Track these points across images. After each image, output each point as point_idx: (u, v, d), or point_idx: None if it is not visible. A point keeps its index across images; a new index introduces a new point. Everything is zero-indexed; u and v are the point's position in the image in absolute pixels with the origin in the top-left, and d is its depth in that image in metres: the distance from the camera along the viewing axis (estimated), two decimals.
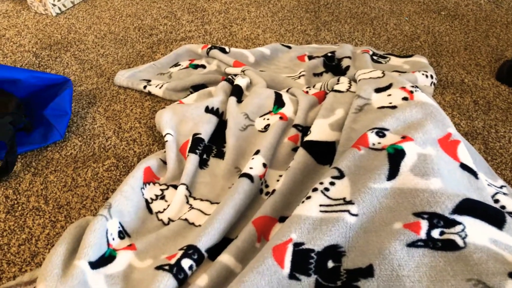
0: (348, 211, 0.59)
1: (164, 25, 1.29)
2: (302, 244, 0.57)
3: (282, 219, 0.67)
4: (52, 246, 0.67)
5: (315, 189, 0.63)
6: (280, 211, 0.68)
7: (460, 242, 0.51)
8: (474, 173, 0.65)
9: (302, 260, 0.54)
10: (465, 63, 1.10)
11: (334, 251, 0.55)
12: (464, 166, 0.66)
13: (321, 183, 0.64)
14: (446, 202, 0.57)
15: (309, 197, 0.63)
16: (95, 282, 0.56)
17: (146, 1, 1.44)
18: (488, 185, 0.70)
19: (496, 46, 1.16)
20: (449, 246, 0.51)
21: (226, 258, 0.60)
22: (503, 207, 0.66)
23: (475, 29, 1.25)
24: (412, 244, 0.53)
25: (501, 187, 0.72)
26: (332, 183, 0.64)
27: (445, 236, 0.53)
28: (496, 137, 0.86)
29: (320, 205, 0.61)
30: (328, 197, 0.62)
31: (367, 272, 0.52)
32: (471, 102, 0.96)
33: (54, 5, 1.32)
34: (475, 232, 0.53)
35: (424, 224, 0.55)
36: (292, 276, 0.54)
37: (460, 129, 0.88)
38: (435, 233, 0.54)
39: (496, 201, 0.67)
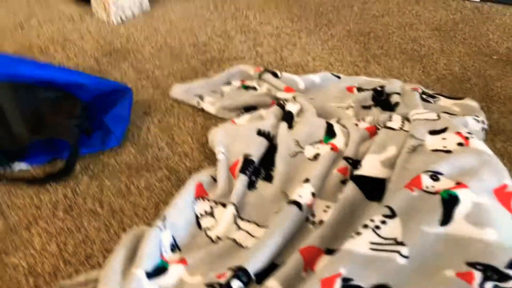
0: (399, 252, 0.60)
1: (218, 43, 1.34)
2: (351, 280, 0.58)
3: (329, 251, 0.68)
4: (105, 250, 0.70)
5: (365, 226, 0.64)
6: (327, 243, 0.69)
7: None
8: None
9: None
10: None
11: None
12: None
13: (372, 220, 0.65)
14: (501, 255, 0.57)
15: (359, 233, 0.64)
16: None
17: (202, 18, 1.49)
18: None
19: None
20: None
21: (274, 284, 0.61)
22: None
23: None
24: None
25: None
26: (383, 222, 0.64)
27: None
28: None
29: (371, 243, 0.62)
30: (379, 235, 0.63)
31: None
32: None
33: (116, 13, 1.39)
34: None
35: (477, 276, 0.55)
36: None
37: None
38: (489, 286, 0.54)
39: None
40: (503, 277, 0.54)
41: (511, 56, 1.36)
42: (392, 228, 0.64)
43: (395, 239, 0.62)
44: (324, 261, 0.66)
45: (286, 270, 0.64)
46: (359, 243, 0.62)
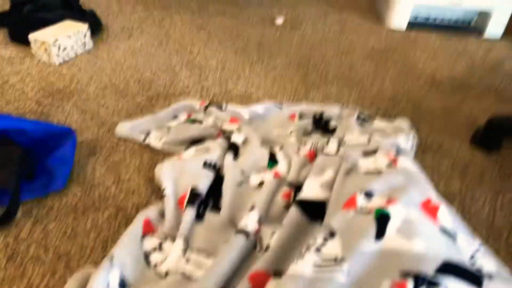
0: (340, 270, 0.64)
1: (163, 79, 1.36)
2: None
3: (277, 274, 0.70)
4: None
5: (307, 248, 0.68)
6: (275, 266, 0.71)
7: None
8: (453, 236, 0.71)
9: None
10: (443, 127, 1.19)
11: None
12: (443, 230, 0.72)
13: (314, 240, 0.68)
14: (429, 262, 0.62)
15: (302, 256, 0.67)
16: None
17: (146, 54, 1.52)
18: (467, 245, 0.76)
19: (471, 113, 1.27)
20: None
21: None
22: (480, 266, 0.71)
23: (451, 96, 1.37)
24: None
25: (479, 247, 0.77)
26: (325, 241, 0.68)
27: None
28: (472, 199, 0.93)
29: (314, 265, 0.65)
30: (320, 257, 0.66)
31: None
32: (449, 165, 1.04)
33: (58, 55, 1.38)
34: None
35: (410, 284, 0.59)
36: None
37: (438, 190, 0.95)
38: None
39: (474, 261, 0.72)
40: (432, 283, 0.59)
41: (435, 77, 1.49)
42: (332, 248, 0.68)
43: (335, 259, 0.66)
44: (272, 285, 0.69)
45: None
46: (303, 267, 0.65)
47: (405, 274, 0.61)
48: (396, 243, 0.65)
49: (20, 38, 1.47)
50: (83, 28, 1.47)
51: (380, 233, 0.67)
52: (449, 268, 0.61)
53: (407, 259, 0.63)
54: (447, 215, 0.75)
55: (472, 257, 0.73)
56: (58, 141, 0.93)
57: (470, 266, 0.66)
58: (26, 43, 1.43)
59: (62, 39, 1.38)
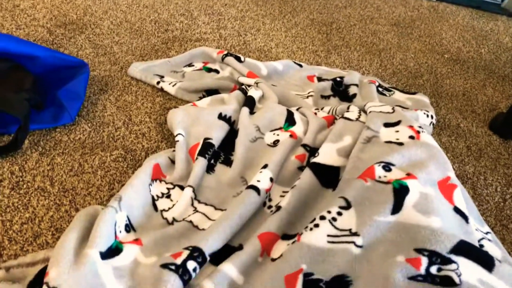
0: (354, 242, 0.63)
1: (181, 22, 1.30)
2: (312, 274, 0.61)
3: (285, 237, 0.70)
4: (55, 229, 0.67)
5: (322, 217, 0.67)
6: (284, 228, 0.70)
7: (456, 279, 0.56)
8: (465, 218, 0.70)
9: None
10: (462, 108, 1.16)
11: (341, 281, 0.59)
12: (457, 210, 0.70)
13: (329, 212, 0.67)
14: (445, 241, 0.61)
15: (317, 225, 0.66)
16: (104, 272, 0.58)
17: None
18: (476, 230, 0.75)
19: (492, 96, 1.24)
20: (447, 282, 0.56)
21: (229, 269, 0.62)
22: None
23: (474, 76, 1.32)
24: (413, 278, 0.57)
25: (487, 233, 0.77)
26: (339, 213, 0.67)
27: (442, 273, 0.57)
28: (485, 184, 0.92)
29: (328, 235, 0.64)
30: (335, 227, 0.66)
31: None
32: (464, 147, 1.02)
33: None
34: (468, 271, 0.58)
35: (424, 261, 0.59)
36: None
37: None
38: (433, 269, 0.58)
39: (481, 246, 0.72)
40: (446, 261, 0.59)
41: (460, 56, 1.44)
42: (348, 219, 0.67)
43: (350, 230, 0.65)
44: (280, 245, 0.68)
45: (243, 255, 0.65)
46: (318, 237, 0.64)
47: (420, 250, 0.60)
48: (413, 218, 0.64)
49: None
50: None
51: (397, 206, 0.66)
52: (464, 248, 0.60)
53: (423, 235, 0.62)
54: (461, 197, 0.73)
55: (479, 241, 0.72)
56: (71, 73, 0.89)
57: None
58: None
59: None
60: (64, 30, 1.15)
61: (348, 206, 0.68)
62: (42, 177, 0.75)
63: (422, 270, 0.57)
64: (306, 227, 0.67)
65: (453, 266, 0.58)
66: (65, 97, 0.87)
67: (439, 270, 0.58)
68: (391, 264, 0.58)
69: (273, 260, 0.66)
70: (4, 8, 1.19)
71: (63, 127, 0.86)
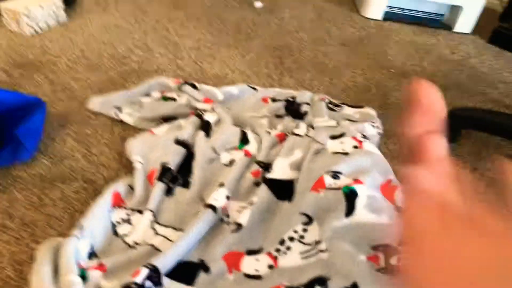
0: (320, 250, 0.69)
1: (138, 55, 1.35)
2: (291, 286, 0.65)
3: (250, 252, 0.74)
4: (16, 262, 0.69)
5: (291, 239, 0.73)
6: (247, 245, 0.75)
7: None
8: None
9: None
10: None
11: (319, 280, 0.63)
12: (398, 209, 0.76)
13: (295, 231, 0.74)
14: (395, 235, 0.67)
15: (289, 248, 0.72)
16: None
17: (121, 30, 1.50)
18: None
19: None
20: None
21: None
22: None
23: None
24: (379, 270, 0.62)
25: None
26: (304, 230, 0.74)
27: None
28: None
29: (300, 253, 0.70)
30: (304, 243, 0.72)
31: None
32: None
33: (29, 25, 1.35)
34: None
35: (381, 256, 0.65)
36: None
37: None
38: (394, 261, 0.64)
39: None
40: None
41: (405, 69, 1.54)
42: (312, 232, 0.74)
43: (315, 241, 0.71)
44: (247, 260, 0.72)
45: (211, 276, 0.68)
46: (292, 258, 0.71)
47: (376, 248, 0.67)
48: (367, 217, 0.71)
49: None
50: None
51: (350, 208, 0.72)
52: None
53: (378, 232, 0.68)
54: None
55: None
56: (28, 111, 0.92)
57: None
58: None
59: (34, 9, 1.34)
60: (22, 70, 1.18)
61: (310, 221, 0.75)
62: (1, 213, 0.77)
63: (382, 264, 0.63)
64: (278, 250, 0.73)
65: None
66: (23, 134, 0.89)
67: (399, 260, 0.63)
68: (357, 262, 0.64)
69: (248, 276, 0.70)
70: None
71: (22, 163, 0.88)
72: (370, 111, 1.19)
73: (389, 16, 2.02)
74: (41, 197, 0.81)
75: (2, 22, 1.40)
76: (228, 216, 0.81)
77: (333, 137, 0.91)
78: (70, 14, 1.55)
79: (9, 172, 0.85)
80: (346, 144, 0.88)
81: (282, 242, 0.74)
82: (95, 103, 1.08)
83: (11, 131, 0.90)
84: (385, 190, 0.78)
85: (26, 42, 1.32)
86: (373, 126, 1.09)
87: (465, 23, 1.99)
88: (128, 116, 1.04)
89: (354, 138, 0.89)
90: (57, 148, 0.93)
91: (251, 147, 0.95)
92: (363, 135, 0.93)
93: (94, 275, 0.66)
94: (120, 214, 0.79)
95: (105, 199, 0.78)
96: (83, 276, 0.66)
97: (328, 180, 0.79)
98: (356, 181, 0.78)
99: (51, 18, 1.43)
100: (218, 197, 0.81)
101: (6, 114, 0.92)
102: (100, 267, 0.68)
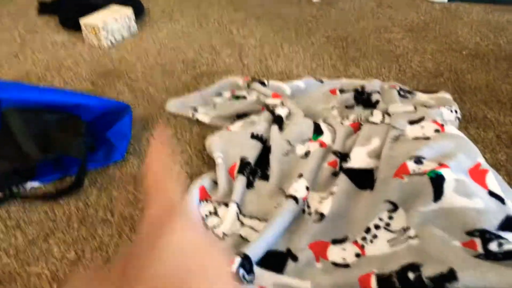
0: (409, 237, 0.68)
1: (206, 58, 1.41)
2: (383, 274, 0.65)
3: (335, 241, 0.74)
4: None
5: (377, 226, 0.73)
6: (331, 234, 0.76)
7: None
8: (501, 199, 0.72)
9: (387, 283, 0.62)
10: (487, 99, 1.18)
11: (411, 266, 0.63)
12: (491, 193, 0.73)
13: (381, 219, 0.73)
14: (492, 219, 0.65)
15: (375, 236, 0.72)
16: None
17: (189, 36, 1.57)
18: None
19: None
20: (510, 255, 0.59)
21: (291, 281, 0.68)
22: None
23: (495, 67, 1.34)
24: (477, 257, 0.60)
25: None
26: (390, 217, 0.73)
27: (505, 247, 0.60)
28: None
29: (388, 241, 0.70)
30: (391, 231, 0.72)
31: (451, 276, 0.58)
32: (494, 136, 1.04)
33: (107, 38, 1.46)
34: None
35: (478, 241, 0.63)
36: None
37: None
38: (493, 246, 0.61)
39: None
40: (499, 237, 0.62)
41: (479, 50, 1.46)
42: (399, 220, 0.73)
43: (403, 228, 0.70)
44: (333, 250, 0.73)
45: (300, 265, 0.70)
46: (380, 246, 0.70)
47: (471, 233, 0.64)
48: (457, 202, 0.69)
49: (70, 24, 1.56)
50: (128, 11, 1.53)
51: (438, 193, 0.70)
52: (510, 224, 0.64)
53: (471, 216, 0.66)
54: (495, 181, 0.76)
55: None
56: (116, 116, 1.00)
57: None
58: (76, 28, 1.51)
59: (110, 22, 1.45)
60: (105, 80, 1.28)
61: (395, 208, 0.74)
62: (103, 209, 0.84)
63: (480, 250, 0.61)
64: (365, 238, 0.73)
65: (506, 241, 0.61)
66: (114, 137, 0.97)
67: (500, 245, 0.61)
68: (451, 249, 0.62)
69: (336, 264, 0.71)
70: (51, 68, 1.34)
71: (115, 164, 0.96)
72: (446, 95, 1.15)
73: None
74: (135, 193, 0.88)
75: (82, 37, 1.52)
76: (309, 206, 0.83)
77: (412, 122, 0.89)
78: (140, 24, 1.65)
79: (105, 172, 0.93)
80: (427, 128, 0.86)
81: (367, 231, 0.74)
82: (173, 105, 1.14)
83: (103, 135, 0.98)
84: (474, 174, 0.75)
85: (105, 54, 1.43)
86: (451, 110, 1.04)
87: None
88: (204, 116, 1.10)
89: (435, 122, 0.87)
90: (143, 148, 1.00)
91: (326, 138, 0.95)
92: (443, 119, 0.89)
93: None
94: (208, 207, 0.83)
95: (193, 194, 0.83)
96: None
97: (412, 166, 0.78)
98: (442, 165, 0.76)
99: (125, 30, 1.53)
100: (298, 188, 0.83)
101: (97, 119, 1.01)
102: None
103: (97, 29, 1.42)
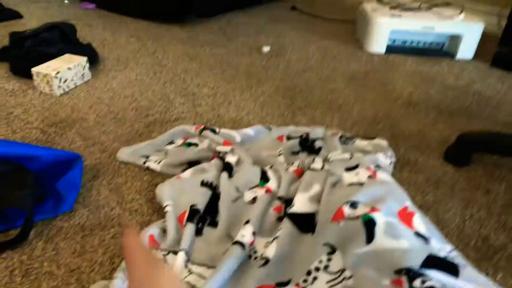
0: (345, 277, 0.73)
1: (159, 106, 1.46)
2: None
3: (279, 284, 0.78)
4: None
5: (317, 269, 0.78)
6: (276, 278, 0.79)
7: (438, 286, 0.66)
8: (426, 239, 0.80)
9: None
10: (418, 145, 1.30)
11: None
12: (417, 234, 0.81)
13: (320, 261, 0.79)
14: (416, 258, 0.72)
15: (315, 278, 0.77)
16: None
17: (142, 84, 1.62)
18: (438, 249, 0.85)
19: (444, 131, 1.39)
20: None
21: None
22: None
23: (426, 115, 1.49)
24: None
25: (450, 251, 0.87)
26: (329, 259, 0.79)
27: (427, 284, 0.67)
28: (445, 209, 1.03)
29: (327, 282, 0.75)
30: (330, 273, 0.77)
31: None
32: (424, 179, 1.14)
33: (59, 86, 1.47)
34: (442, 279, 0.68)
35: (404, 279, 0.69)
36: None
37: (415, 202, 1.04)
38: (417, 283, 0.68)
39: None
40: (422, 275, 0.69)
41: (412, 99, 1.61)
42: (337, 262, 0.79)
43: (340, 269, 0.75)
44: None
45: None
46: (319, 287, 0.74)
47: (398, 272, 0.71)
48: (386, 243, 0.75)
49: (22, 71, 1.56)
50: (82, 60, 1.56)
51: (370, 236, 0.77)
52: (432, 262, 0.71)
53: (397, 256, 0.72)
54: (421, 222, 0.84)
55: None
56: (67, 165, 1.00)
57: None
58: (28, 76, 1.51)
59: (63, 71, 1.47)
60: (56, 128, 1.28)
61: (333, 251, 0.80)
62: (48, 262, 0.84)
63: (406, 287, 0.67)
64: (306, 280, 0.77)
65: (427, 277, 0.68)
66: (63, 187, 0.97)
67: (422, 282, 0.67)
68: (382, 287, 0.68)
69: None
70: None
71: (63, 215, 0.95)
72: (382, 141, 1.25)
73: (392, 50, 2.12)
74: (83, 244, 0.88)
75: (33, 85, 1.53)
76: (255, 251, 0.86)
77: (348, 169, 0.97)
78: (94, 72, 1.68)
79: (52, 223, 0.93)
80: (361, 174, 0.94)
81: (308, 273, 0.79)
82: (124, 154, 1.17)
83: (52, 185, 0.98)
84: (402, 216, 0.83)
85: (57, 102, 1.44)
86: (386, 156, 1.14)
87: (466, 50, 2.07)
88: (155, 164, 1.12)
89: (368, 168, 0.95)
90: (93, 198, 1.01)
91: (272, 184, 1.01)
92: (377, 165, 0.98)
93: None
94: (156, 256, 0.85)
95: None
96: None
97: (347, 210, 0.85)
98: (373, 209, 0.83)
99: (78, 78, 1.55)
100: (245, 233, 0.87)
101: (46, 169, 1.01)
102: None
103: (49, 77, 1.44)
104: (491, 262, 0.88)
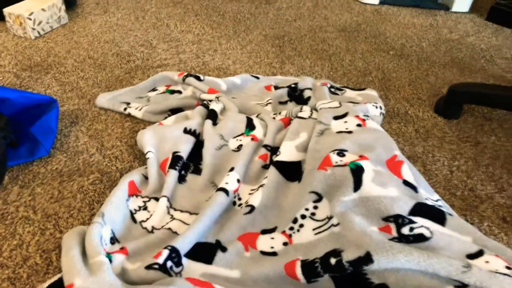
0: (332, 225, 0.71)
1: (141, 52, 1.38)
2: (307, 260, 0.68)
3: (264, 231, 0.77)
4: (42, 251, 0.72)
5: (303, 216, 0.76)
6: (261, 225, 0.78)
7: (427, 233, 0.66)
8: (414, 188, 0.79)
9: (310, 268, 0.65)
10: (409, 97, 1.27)
11: (333, 252, 0.66)
12: (406, 182, 0.79)
13: (307, 209, 0.77)
14: (404, 206, 0.70)
15: (302, 225, 0.75)
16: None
17: (123, 29, 1.53)
18: (426, 198, 0.84)
19: (435, 83, 1.35)
20: (419, 238, 0.65)
21: (217, 270, 0.69)
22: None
23: (417, 68, 1.45)
24: (392, 240, 0.65)
25: (437, 200, 0.86)
26: (315, 207, 0.77)
27: (415, 231, 0.66)
28: (433, 160, 1.01)
29: (313, 229, 0.73)
30: (316, 220, 0.75)
31: (367, 258, 0.63)
32: (413, 130, 1.12)
33: (33, 29, 1.38)
34: (430, 227, 0.67)
35: (393, 226, 0.68)
36: (309, 281, 0.65)
37: (403, 153, 1.03)
38: (405, 230, 0.67)
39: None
40: (411, 222, 0.68)
41: (404, 51, 1.56)
42: (323, 209, 0.76)
43: (327, 217, 0.74)
44: (262, 239, 0.76)
45: (228, 255, 0.72)
46: (306, 235, 0.74)
47: (387, 218, 0.69)
48: (374, 191, 0.73)
49: None
50: (57, 1, 1.46)
51: (357, 183, 0.75)
52: (419, 209, 0.70)
53: (386, 205, 0.71)
54: (409, 171, 0.82)
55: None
56: (42, 110, 0.95)
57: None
58: (0, 17, 1.41)
59: (37, 12, 1.37)
60: (30, 73, 1.21)
61: (320, 198, 0.78)
62: (24, 207, 0.80)
63: (394, 233, 0.66)
64: (292, 228, 0.76)
65: (416, 225, 0.67)
66: (38, 132, 0.92)
67: (411, 229, 0.66)
68: (370, 233, 0.66)
69: (264, 253, 0.73)
70: None
71: (40, 160, 0.91)
72: (372, 92, 1.22)
73: (386, 0, 2.04)
74: (61, 190, 0.85)
75: (6, 27, 1.43)
76: (240, 199, 0.84)
77: (337, 117, 0.94)
78: (72, 16, 1.58)
79: (28, 169, 0.89)
80: (350, 123, 0.91)
81: (295, 221, 0.77)
82: (103, 100, 1.11)
83: (26, 130, 0.93)
84: (391, 165, 0.81)
85: (32, 45, 1.35)
86: (375, 106, 1.11)
87: (462, 2, 2.00)
88: (136, 110, 1.08)
89: (357, 117, 0.92)
90: (71, 144, 0.97)
91: (258, 132, 0.98)
92: (366, 115, 0.95)
93: (118, 258, 0.70)
94: (137, 202, 0.82)
95: (122, 189, 0.82)
96: (110, 260, 0.69)
97: (334, 158, 0.82)
98: (362, 157, 0.81)
99: (54, 20, 1.46)
100: (229, 181, 0.84)
101: (20, 114, 0.96)
102: (123, 250, 0.71)
103: (22, 18, 1.34)
104: (476, 211, 0.87)
